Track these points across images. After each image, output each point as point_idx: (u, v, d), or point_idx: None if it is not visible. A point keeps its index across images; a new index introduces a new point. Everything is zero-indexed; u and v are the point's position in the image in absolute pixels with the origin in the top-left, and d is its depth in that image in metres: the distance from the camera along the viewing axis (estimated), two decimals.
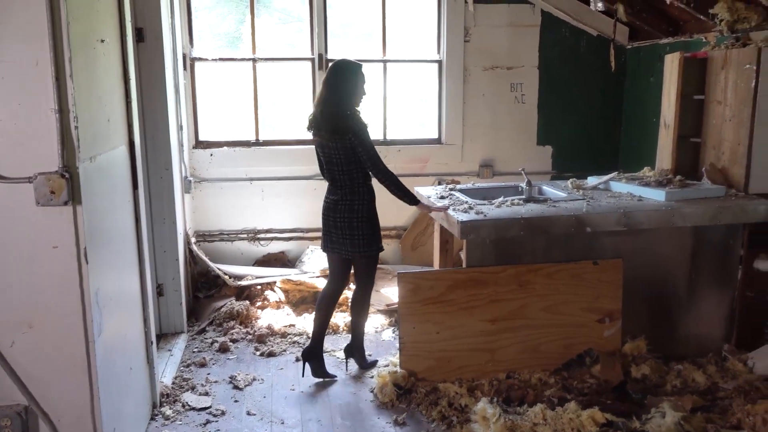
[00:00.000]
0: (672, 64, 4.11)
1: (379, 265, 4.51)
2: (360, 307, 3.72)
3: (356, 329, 3.75)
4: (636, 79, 5.40)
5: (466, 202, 3.69)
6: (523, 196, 3.82)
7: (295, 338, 4.21)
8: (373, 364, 3.80)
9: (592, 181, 4.17)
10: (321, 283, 4.73)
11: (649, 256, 3.65)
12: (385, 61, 5.26)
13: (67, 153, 2.24)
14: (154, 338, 3.25)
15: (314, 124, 3.50)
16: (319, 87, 5.05)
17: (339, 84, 3.44)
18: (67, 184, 2.23)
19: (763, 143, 3.62)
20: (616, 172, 4.24)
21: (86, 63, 2.41)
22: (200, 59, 5.06)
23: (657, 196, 3.67)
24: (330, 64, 3.57)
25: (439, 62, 5.37)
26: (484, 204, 3.65)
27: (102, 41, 2.62)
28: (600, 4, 5.08)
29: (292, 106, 5.48)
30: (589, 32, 5.39)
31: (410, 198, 3.55)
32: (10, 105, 2.19)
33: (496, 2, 5.25)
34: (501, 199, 3.73)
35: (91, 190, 2.39)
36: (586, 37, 5.41)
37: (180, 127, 4.53)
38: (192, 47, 5.01)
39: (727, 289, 3.75)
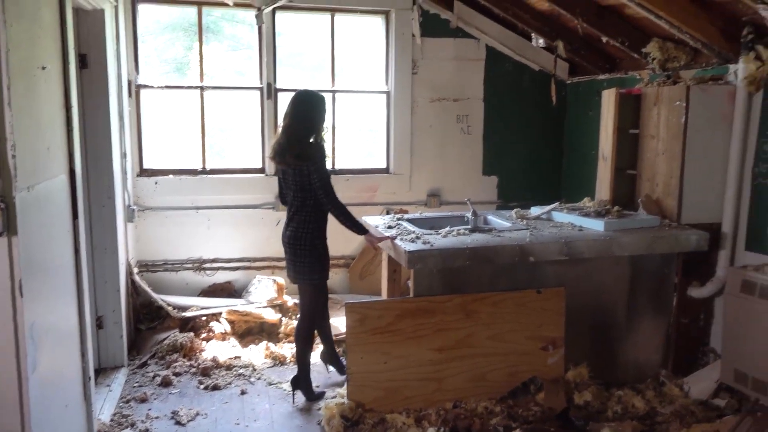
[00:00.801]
0: (609, 100, 4.29)
1: None
2: (305, 338, 3.71)
3: (302, 360, 3.72)
4: (576, 113, 5.61)
5: (414, 231, 3.74)
6: (469, 226, 3.88)
7: (241, 370, 4.12)
8: (321, 395, 3.76)
9: (535, 211, 4.28)
10: (268, 314, 4.67)
11: (589, 285, 3.76)
12: (334, 92, 5.31)
13: (3, 182, 2.16)
14: (92, 373, 3.13)
15: (279, 152, 3.56)
16: (268, 116, 5.14)
17: (303, 113, 3.56)
18: (2, 215, 2.15)
19: (693, 176, 3.81)
20: (558, 203, 4.37)
21: (26, 90, 2.35)
22: (146, 86, 4.99)
23: (596, 226, 3.80)
24: (293, 95, 3.64)
25: (388, 93, 5.46)
26: (431, 234, 3.70)
27: (43, 68, 2.56)
28: (541, 41, 5.29)
29: (240, 135, 5.45)
30: (532, 67, 5.58)
31: (358, 228, 3.64)
32: None
33: (442, 36, 5.39)
34: (447, 228, 3.78)
35: (28, 221, 2.31)
36: (528, 72, 5.60)
37: (123, 155, 4.44)
38: (138, 74, 4.93)
39: (663, 316, 3.89)
